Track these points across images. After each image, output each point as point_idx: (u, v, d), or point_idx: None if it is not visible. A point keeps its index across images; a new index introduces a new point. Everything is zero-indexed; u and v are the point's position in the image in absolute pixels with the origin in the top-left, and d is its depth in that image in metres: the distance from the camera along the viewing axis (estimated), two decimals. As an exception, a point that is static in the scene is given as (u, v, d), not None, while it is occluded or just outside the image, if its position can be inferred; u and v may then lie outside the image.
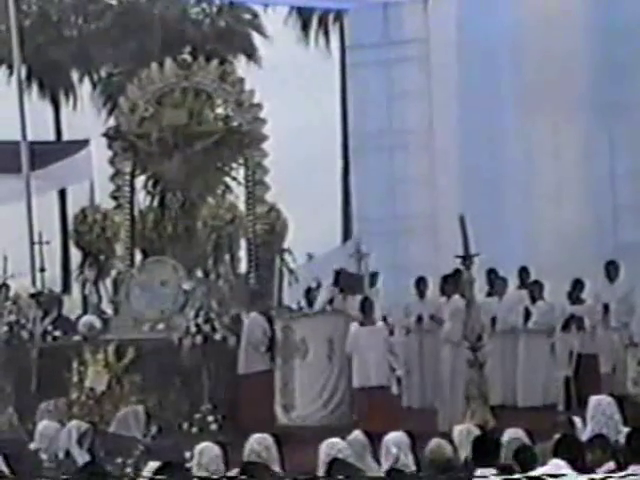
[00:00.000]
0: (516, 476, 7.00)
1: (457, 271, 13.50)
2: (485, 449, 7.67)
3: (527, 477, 6.85)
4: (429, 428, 11.50)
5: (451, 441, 8.39)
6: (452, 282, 13.82)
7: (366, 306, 13.34)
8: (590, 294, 14.72)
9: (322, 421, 13.03)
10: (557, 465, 7.37)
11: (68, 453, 9.73)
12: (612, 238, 17.44)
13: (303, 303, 14.72)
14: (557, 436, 8.05)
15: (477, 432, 8.52)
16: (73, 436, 9.75)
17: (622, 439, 8.24)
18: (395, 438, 8.25)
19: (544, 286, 14.78)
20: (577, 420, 9.07)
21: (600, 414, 8.71)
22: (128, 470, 9.48)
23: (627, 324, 14.24)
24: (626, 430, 8.38)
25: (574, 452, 7.61)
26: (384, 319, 13.71)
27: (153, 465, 7.84)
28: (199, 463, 7.96)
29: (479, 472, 7.28)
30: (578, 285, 14.59)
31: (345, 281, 13.76)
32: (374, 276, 15.02)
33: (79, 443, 9.72)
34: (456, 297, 13.62)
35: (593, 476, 7.06)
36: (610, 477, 6.92)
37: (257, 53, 32.56)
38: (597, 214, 17.77)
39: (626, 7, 17.41)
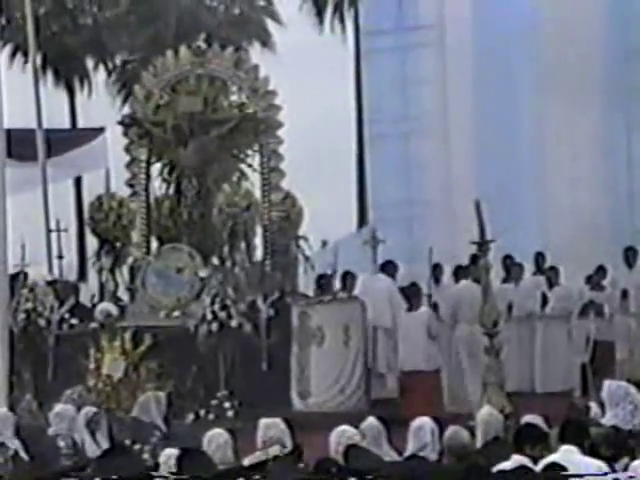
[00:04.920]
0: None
1: (474, 257, 13.51)
2: (529, 439, 7.55)
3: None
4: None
5: (469, 427, 8.39)
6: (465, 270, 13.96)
7: (412, 291, 13.50)
8: (607, 280, 14.69)
9: (339, 407, 13.05)
10: (569, 451, 7.36)
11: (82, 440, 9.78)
12: (628, 223, 17.40)
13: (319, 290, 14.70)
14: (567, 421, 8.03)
15: (498, 417, 8.52)
16: (81, 421, 9.81)
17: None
18: (430, 425, 8.26)
19: (560, 271, 14.77)
20: (593, 406, 9.04)
21: (623, 400, 8.67)
22: (145, 456, 9.52)
23: (645, 310, 14.21)
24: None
25: (580, 437, 7.58)
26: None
27: (170, 452, 7.86)
28: (208, 450, 7.96)
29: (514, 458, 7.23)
30: (600, 271, 14.57)
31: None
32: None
33: (88, 427, 9.77)
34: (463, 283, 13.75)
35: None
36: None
37: (272, 40, 32.53)
38: (613, 199, 17.73)
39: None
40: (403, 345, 13.40)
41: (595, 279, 14.61)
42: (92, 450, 9.67)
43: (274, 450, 8.03)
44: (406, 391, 13.26)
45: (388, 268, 14.48)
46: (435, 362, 13.34)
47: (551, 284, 14.66)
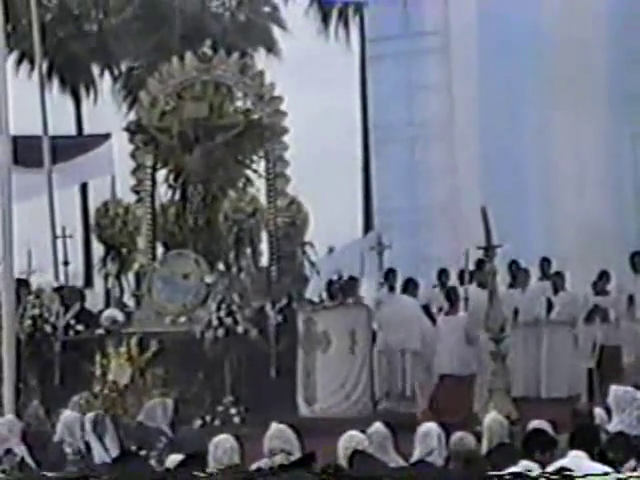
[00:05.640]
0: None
1: (480, 262, 13.52)
2: (538, 445, 7.54)
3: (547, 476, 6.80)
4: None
5: (475, 433, 8.38)
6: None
7: (452, 296, 13.52)
8: (613, 285, 14.68)
9: (345, 413, 13.05)
10: (577, 456, 7.35)
11: (89, 446, 9.79)
12: (634, 229, 17.38)
13: (324, 295, 14.73)
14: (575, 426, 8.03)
15: (503, 423, 8.51)
16: (87, 426, 9.82)
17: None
18: (437, 431, 8.26)
19: (566, 277, 14.75)
20: (599, 411, 9.03)
21: (630, 405, 8.65)
22: (152, 462, 9.52)
23: (652, 315, 14.18)
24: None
25: (591, 442, 7.57)
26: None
27: (175, 458, 7.87)
28: (214, 456, 7.97)
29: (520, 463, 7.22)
30: (604, 276, 14.56)
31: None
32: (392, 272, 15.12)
33: (95, 432, 9.78)
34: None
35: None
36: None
37: (277, 46, 32.57)
38: (619, 204, 17.71)
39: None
40: (440, 349, 13.43)
41: (599, 284, 14.60)
42: (100, 455, 9.68)
43: (279, 459, 8.03)
44: (441, 394, 13.28)
45: (410, 287, 14.36)
46: (471, 367, 13.35)
47: (557, 289, 14.65)
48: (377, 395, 13.44)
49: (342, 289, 14.20)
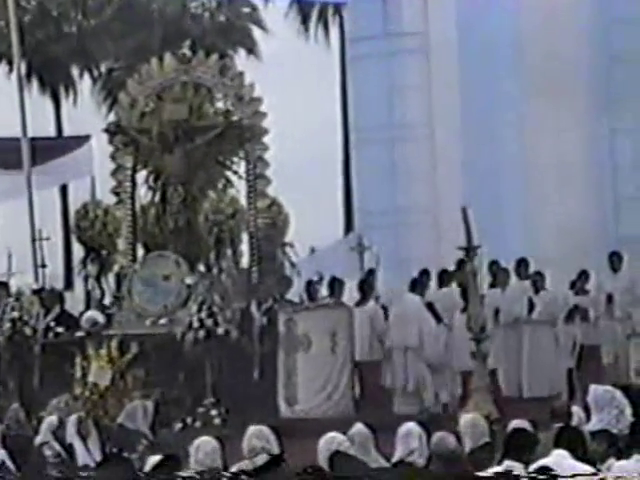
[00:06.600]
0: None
1: (460, 262, 13.54)
2: (519, 444, 7.55)
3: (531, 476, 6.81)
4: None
5: (456, 433, 8.39)
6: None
7: (466, 294, 13.71)
8: (592, 285, 14.75)
9: (326, 413, 13.05)
10: (560, 455, 7.36)
11: (71, 448, 9.76)
12: (614, 229, 17.46)
13: (305, 296, 14.73)
14: (557, 426, 8.05)
15: (483, 423, 8.53)
16: (72, 429, 9.80)
17: (627, 430, 8.24)
18: (418, 431, 8.26)
19: (545, 277, 14.80)
20: (576, 410, 9.06)
21: (609, 404, 8.69)
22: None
23: (631, 314, 14.25)
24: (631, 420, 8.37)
25: (575, 442, 7.59)
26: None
27: (154, 459, 7.85)
28: (195, 458, 7.95)
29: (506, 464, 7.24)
30: (583, 276, 14.62)
31: None
32: (371, 272, 15.11)
33: (79, 434, 9.76)
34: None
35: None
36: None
37: (257, 47, 32.56)
38: (599, 206, 17.79)
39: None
40: (456, 345, 13.50)
41: (578, 284, 14.67)
42: (84, 457, 9.66)
43: (260, 459, 8.02)
44: (460, 390, 13.39)
45: (418, 286, 14.25)
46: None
47: (537, 289, 14.69)
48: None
49: (331, 289, 14.22)
